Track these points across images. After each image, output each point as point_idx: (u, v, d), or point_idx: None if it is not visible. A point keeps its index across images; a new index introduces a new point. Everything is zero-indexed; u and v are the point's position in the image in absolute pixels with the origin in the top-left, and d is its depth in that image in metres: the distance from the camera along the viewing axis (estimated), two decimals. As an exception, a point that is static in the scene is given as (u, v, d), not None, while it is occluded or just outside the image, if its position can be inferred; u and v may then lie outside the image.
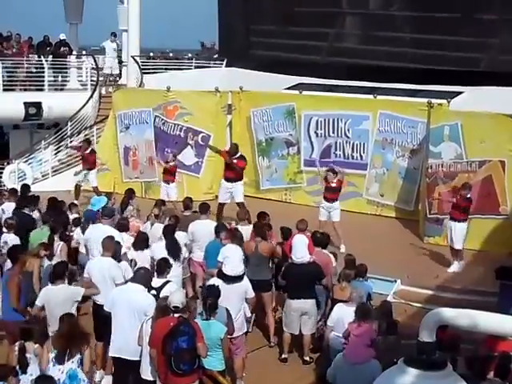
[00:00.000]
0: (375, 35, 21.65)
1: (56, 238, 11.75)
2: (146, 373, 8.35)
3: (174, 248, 11.13)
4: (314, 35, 22.56)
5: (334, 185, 14.83)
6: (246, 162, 16.20)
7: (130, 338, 8.53)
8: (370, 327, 9.20)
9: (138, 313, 8.59)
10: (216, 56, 26.90)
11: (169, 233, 11.55)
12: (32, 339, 8.22)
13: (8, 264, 10.81)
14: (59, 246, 11.58)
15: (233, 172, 15.84)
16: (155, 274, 9.75)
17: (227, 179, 15.90)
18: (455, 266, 13.82)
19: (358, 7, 22.59)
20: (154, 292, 9.14)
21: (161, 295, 8.97)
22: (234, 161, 15.80)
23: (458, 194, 13.85)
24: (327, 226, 14.58)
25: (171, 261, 10.50)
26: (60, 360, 7.77)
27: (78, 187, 18.21)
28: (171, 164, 17.32)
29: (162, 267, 9.74)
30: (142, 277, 9.06)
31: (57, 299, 9.14)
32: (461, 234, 13.68)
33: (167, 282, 9.55)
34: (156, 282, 9.49)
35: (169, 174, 17.21)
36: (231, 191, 15.87)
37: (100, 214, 12.49)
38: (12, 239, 11.81)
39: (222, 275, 10.04)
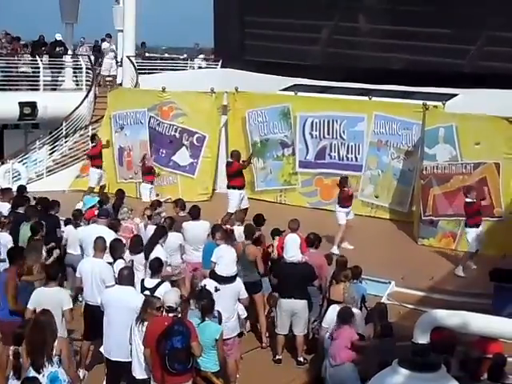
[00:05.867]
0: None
1: None
2: (139, 371, 8.29)
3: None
4: (310, 39, 22.60)
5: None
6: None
7: (123, 340, 8.49)
8: (350, 330, 9.25)
9: (131, 314, 8.50)
10: (212, 57, 26.90)
11: (157, 236, 11.26)
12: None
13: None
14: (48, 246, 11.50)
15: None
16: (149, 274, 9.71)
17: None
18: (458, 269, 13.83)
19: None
20: (147, 292, 9.07)
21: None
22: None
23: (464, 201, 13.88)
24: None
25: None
26: (38, 367, 7.35)
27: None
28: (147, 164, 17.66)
29: (155, 267, 9.63)
30: (127, 277, 9.01)
31: (49, 301, 8.76)
32: (468, 237, 13.79)
33: (161, 282, 9.45)
34: (150, 282, 9.43)
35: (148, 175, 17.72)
36: (243, 197, 15.96)
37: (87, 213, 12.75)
38: (5, 238, 11.77)
39: (214, 276, 10.01)
